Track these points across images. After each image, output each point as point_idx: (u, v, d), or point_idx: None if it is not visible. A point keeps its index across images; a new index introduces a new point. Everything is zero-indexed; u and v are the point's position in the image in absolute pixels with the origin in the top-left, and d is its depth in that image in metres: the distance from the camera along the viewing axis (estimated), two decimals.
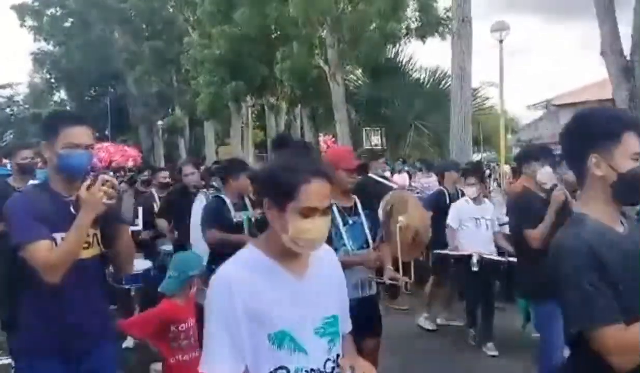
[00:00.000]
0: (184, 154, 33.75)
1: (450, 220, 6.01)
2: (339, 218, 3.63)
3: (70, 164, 2.46)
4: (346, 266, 3.31)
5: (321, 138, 22.52)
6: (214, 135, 31.24)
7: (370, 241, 3.73)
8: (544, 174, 4.17)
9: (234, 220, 4.60)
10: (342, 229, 3.63)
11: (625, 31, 11.05)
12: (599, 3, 10.96)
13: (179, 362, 3.46)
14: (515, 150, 23.43)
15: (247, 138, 26.87)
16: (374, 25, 17.62)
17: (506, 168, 12.77)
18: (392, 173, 10.54)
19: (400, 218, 4.04)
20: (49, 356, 2.46)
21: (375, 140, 20.00)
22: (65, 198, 2.51)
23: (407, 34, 19.43)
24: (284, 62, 18.36)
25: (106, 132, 37.40)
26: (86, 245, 2.50)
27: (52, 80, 41.50)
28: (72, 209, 2.46)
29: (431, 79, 22.00)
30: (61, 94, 43.49)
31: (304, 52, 18.17)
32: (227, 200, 4.67)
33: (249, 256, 1.78)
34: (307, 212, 1.69)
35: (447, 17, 17.58)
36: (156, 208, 6.45)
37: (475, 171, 6.46)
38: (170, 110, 35.76)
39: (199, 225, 4.74)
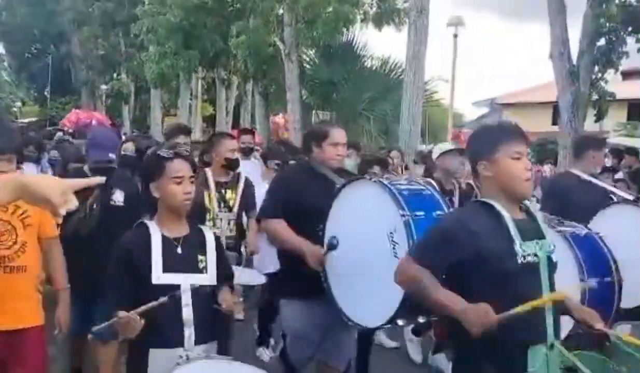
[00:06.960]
0: (127, 121, 32.74)
1: None
2: None
3: None
4: None
5: (272, 118, 22.34)
6: (161, 105, 30.40)
7: None
8: None
9: (521, 258, 2.24)
10: None
11: (576, 36, 11.46)
12: (551, 6, 11.31)
13: None
14: (459, 145, 23.94)
15: (195, 110, 26.35)
16: (331, 8, 17.54)
17: None
18: None
19: None
20: None
21: None
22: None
23: (363, 19, 19.48)
24: (239, 36, 18.03)
25: (45, 92, 35.80)
26: None
27: None
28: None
29: (383, 68, 22.13)
30: None
31: (260, 28, 17.90)
32: (509, 221, 2.28)
33: None
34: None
35: (405, 7, 17.74)
36: None
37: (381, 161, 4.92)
38: (115, 74, 34.52)
39: None
